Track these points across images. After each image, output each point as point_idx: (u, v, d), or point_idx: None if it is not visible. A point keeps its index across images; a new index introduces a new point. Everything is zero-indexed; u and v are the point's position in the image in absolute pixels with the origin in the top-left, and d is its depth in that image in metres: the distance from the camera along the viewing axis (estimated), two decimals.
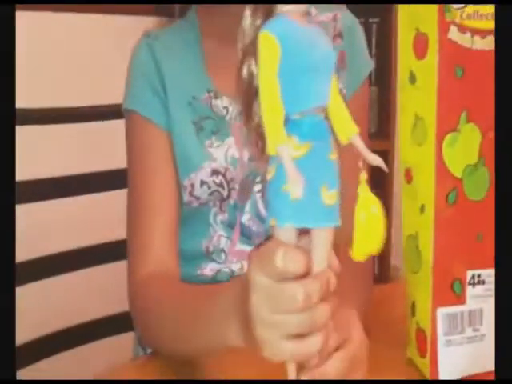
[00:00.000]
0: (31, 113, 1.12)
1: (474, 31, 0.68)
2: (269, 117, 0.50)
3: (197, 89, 0.94)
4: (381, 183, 1.83)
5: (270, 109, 0.50)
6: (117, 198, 1.07)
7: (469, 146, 0.69)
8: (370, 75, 1.01)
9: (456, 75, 0.68)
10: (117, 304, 1.10)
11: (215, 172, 0.91)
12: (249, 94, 0.53)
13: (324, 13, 0.96)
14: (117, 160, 1.06)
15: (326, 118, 0.53)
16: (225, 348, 0.65)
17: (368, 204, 0.53)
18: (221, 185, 0.91)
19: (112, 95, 1.04)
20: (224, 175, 0.91)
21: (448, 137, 0.68)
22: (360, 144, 0.53)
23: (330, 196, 0.52)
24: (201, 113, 0.93)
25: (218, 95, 0.93)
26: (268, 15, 0.52)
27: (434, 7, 0.68)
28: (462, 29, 0.68)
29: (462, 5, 0.68)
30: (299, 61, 0.50)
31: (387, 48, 2.09)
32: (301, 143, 0.51)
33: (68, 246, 1.15)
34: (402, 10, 0.73)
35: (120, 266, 1.04)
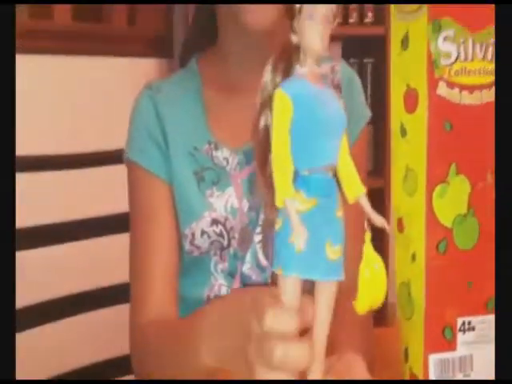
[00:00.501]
0: (31, 160, 1.15)
1: (462, 87, 0.70)
2: (279, 171, 0.52)
3: (198, 140, 0.96)
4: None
5: (281, 164, 0.52)
6: (115, 243, 1.09)
7: (458, 197, 0.71)
8: None
9: (445, 129, 0.70)
10: (118, 348, 1.11)
11: (215, 221, 0.93)
12: (265, 145, 0.55)
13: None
14: (116, 205, 1.08)
15: (334, 175, 0.56)
16: (203, 371, 0.67)
17: (372, 262, 0.55)
18: (221, 234, 0.93)
19: (110, 140, 1.07)
20: (224, 225, 0.93)
21: (438, 188, 0.70)
22: (366, 204, 0.55)
23: (334, 251, 0.54)
24: (202, 163, 0.95)
25: (218, 146, 0.96)
26: (287, 72, 0.54)
27: (424, 64, 0.70)
28: (451, 85, 0.70)
29: (451, 61, 0.71)
30: (311, 120, 0.53)
31: (382, 87, 2.12)
32: (307, 198, 0.53)
33: (68, 291, 1.17)
34: (393, 66, 0.75)
35: (117, 311, 1.05)
